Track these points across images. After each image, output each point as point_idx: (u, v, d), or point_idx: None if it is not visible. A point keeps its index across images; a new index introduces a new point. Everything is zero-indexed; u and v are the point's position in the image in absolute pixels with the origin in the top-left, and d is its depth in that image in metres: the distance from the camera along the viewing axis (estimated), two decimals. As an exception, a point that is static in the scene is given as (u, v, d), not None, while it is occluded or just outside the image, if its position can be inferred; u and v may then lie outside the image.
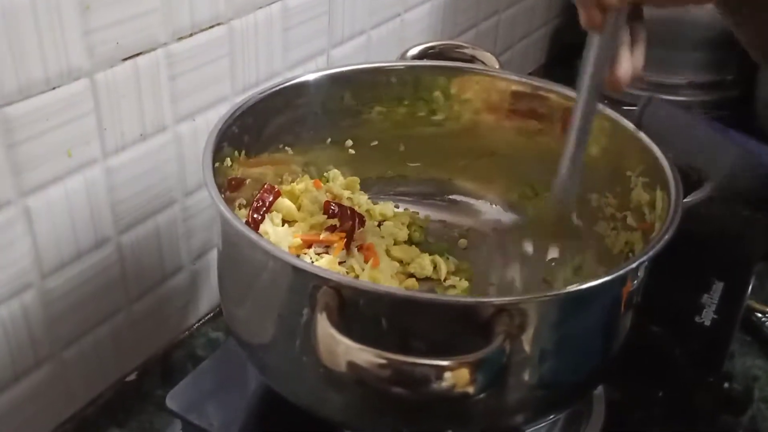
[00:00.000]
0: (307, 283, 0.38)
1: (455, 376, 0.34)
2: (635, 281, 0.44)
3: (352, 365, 0.35)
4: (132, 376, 0.64)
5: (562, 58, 1.21)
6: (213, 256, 0.68)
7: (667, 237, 0.42)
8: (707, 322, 0.65)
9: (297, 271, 0.39)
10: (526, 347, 0.39)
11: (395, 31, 0.82)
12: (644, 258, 0.41)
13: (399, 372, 0.34)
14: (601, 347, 0.45)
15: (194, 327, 0.69)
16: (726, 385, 0.62)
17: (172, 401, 0.53)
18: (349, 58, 0.76)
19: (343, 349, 0.34)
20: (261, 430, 0.52)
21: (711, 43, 1.04)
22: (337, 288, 0.38)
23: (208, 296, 0.70)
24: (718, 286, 0.69)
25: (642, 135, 0.52)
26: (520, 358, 0.40)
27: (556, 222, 0.53)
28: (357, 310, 0.38)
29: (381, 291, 0.39)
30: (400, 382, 0.34)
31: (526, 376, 0.41)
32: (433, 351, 0.39)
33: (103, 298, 0.59)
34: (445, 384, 0.34)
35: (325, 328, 0.35)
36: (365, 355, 0.34)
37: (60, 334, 0.56)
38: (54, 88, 0.50)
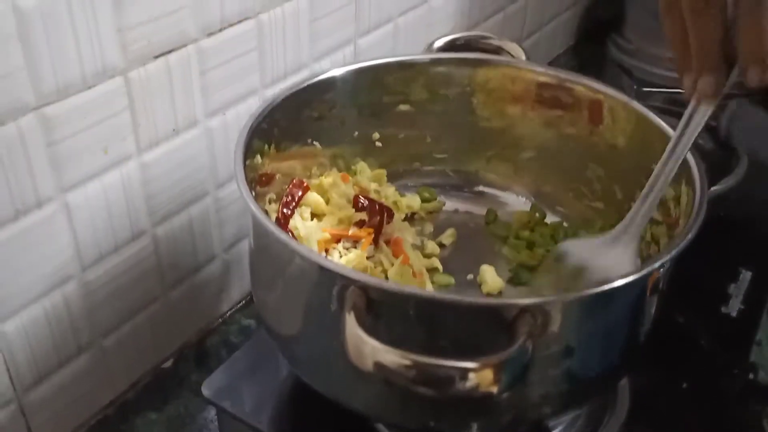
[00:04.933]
0: (335, 282, 0.40)
1: (479, 376, 0.35)
2: (658, 279, 0.44)
3: (378, 365, 0.36)
4: (168, 363, 0.66)
5: (591, 37, 1.20)
6: (245, 245, 0.70)
7: (690, 236, 0.42)
8: (733, 313, 0.65)
9: (325, 271, 0.40)
10: (550, 345, 0.40)
11: (422, 18, 0.82)
12: (666, 258, 0.41)
13: (424, 373, 0.35)
14: (626, 343, 0.46)
15: (227, 314, 0.71)
16: (751, 375, 0.62)
17: (207, 389, 0.54)
18: (376, 47, 0.76)
19: (369, 350, 0.36)
20: (293, 416, 0.54)
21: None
22: (365, 288, 0.39)
23: (240, 284, 0.71)
24: (746, 276, 0.69)
25: (667, 128, 0.52)
26: (544, 356, 0.41)
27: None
28: (384, 310, 0.39)
29: (407, 292, 0.40)
30: (425, 382, 0.35)
31: (550, 373, 0.42)
32: (458, 349, 0.40)
33: (139, 288, 0.61)
34: (469, 384, 0.35)
35: (352, 328, 0.37)
36: (391, 356, 0.35)
37: (100, 323, 0.59)
38: (90, 87, 0.51)
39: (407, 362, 0.35)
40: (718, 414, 0.58)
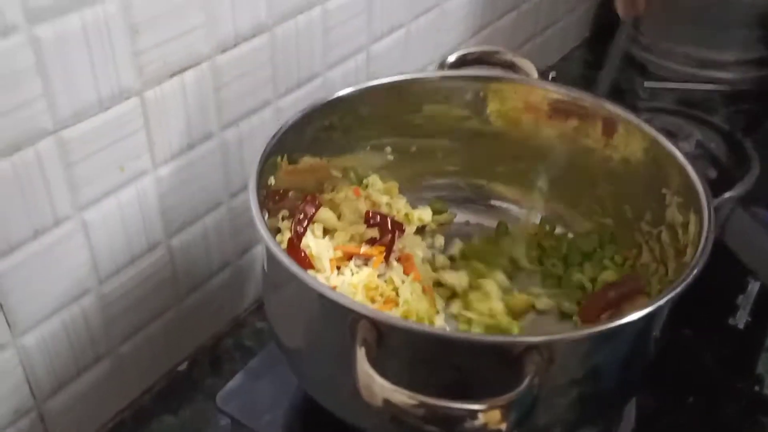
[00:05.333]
0: (346, 316, 0.40)
1: (488, 416, 0.36)
2: (664, 313, 0.45)
3: (387, 402, 0.37)
4: (183, 366, 0.68)
5: (607, 29, 1.18)
6: (258, 250, 0.71)
7: (696, 272, 0.43)
8: (740, 325, 0.66)
9: (337, 305, 0.41)
10: (558, 379, 0.41)
11: (435, 22, 0.82)
12: (672, 294, 0.42)
13: (433, 413, 0.36)
14: (634, 370, 0.47)
15: (241, 318, 0.72)
16: (757, 388, 0.63)
17: (221, 400, 0.56)
18: (388, 53, 0.76)
19: (379, 389, 0.37)
20: (306, 429, 0.55)
21: (760, 19, 1.02)
22: (375, 323, 0.40)
23: (254, 288, 0.73)
24: (754, 287, 0.69)
25: (678, 154, 0.52)
26: (552, 387, 0.42)
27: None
28: (393, 343, 0.40)
29: (416, 329, 0.41)
30: (434, 422, 0.36)
31: (557, 402, 0.43)
32: (467, 382, 0.41)
33: (155, 297, 0.62)
34: (478, 424, 0.36)
35: (363, 365, 0.38)
36: (400, 396, 0.36)
37: (116, 332, 0.60)
38: (106, 109, 0.52)
39: (416, 402, 0.36)
40: (724, 428, 0.59)
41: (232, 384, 0.57)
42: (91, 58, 0.49)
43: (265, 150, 0.51)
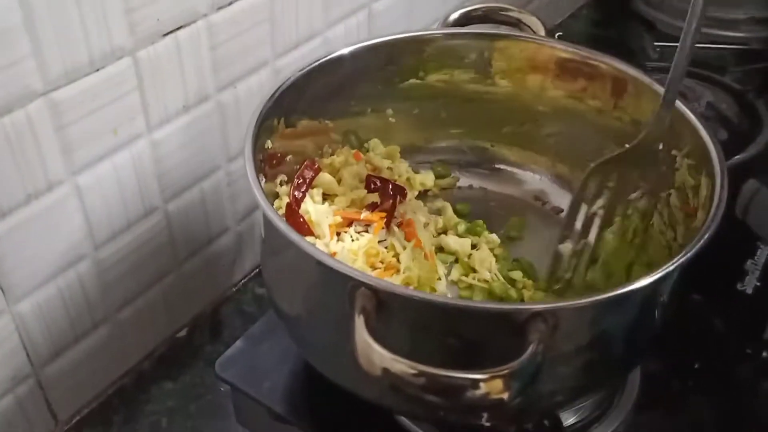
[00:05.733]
0: (345, 284, 0.39)
1: (489, 386, 0.35)
2: (672, 279, 0.44)
3: (387, 372, 0.36)
4: (183, 332, 0.67)
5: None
6: (257, 215, 0.70)
7: (706, 238, 0.41)
8: (749, 290, 0.65)
9: (336, 273, 0.40)
10: (562, 347, 0.40)
11: (439, -22, 0.79)
12: (681, 260, 0.40)
13: (433, 383, 0.35)
14: (639, 337, 0.46)
15: (241, 283, 0.71)
16: (765, 354, 0.62)
17: (221, 368, 0.55)
18: (391, 10, 0.74)
19: (378, 358, 0.36)
20: (308, 395, 0.55)
21: (774, -25, 0.99)
22: (374, 290, 0.39)
23: (253, 254, 0.72)
24: (764, 252, 0.68)
25: (691, 115, 0.50)
26: (556, 356, 0.41)
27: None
28: (393, 311, 0.39)
29: (417, 297, 0.40)
30: (434, 392, 0.35)
31: (561, 370, 0.42)
32: (469, 350, 0.40)
33: (153, 263, 0.61)
34: (479, 393, 0.35)
35: (361, 334, 0.37)
36: (399, 366, 0.35)
37: (114, 298, 0.59)
38: (98, 70, 0.50)
39: (416, 372, 0.35)
40: (730, 394, 0.58)
41: (231, 351, 0.56)
42: (81, 17, 0.47)
43: (261, 111, 0.49)
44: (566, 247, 0.55)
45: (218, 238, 0.67)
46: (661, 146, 0.52)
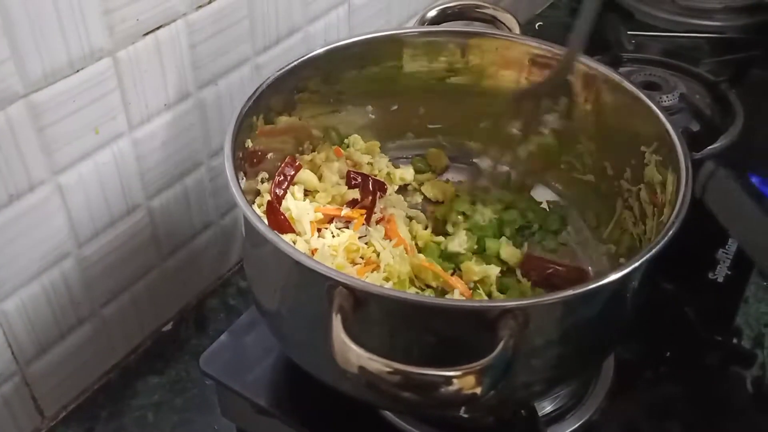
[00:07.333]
0: (323, 282, 0.40)
1: (462, 382, 0.36)
2: (640, 273, 0.45)
3: (363, 370, 0.37)
4: (168, 326, 0.68)
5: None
6: (240, 211, 0.70)
7: (670, 234, 0.43)
8: (720, 279, 0.66)
9: (313, 273, 0.41)
10: (534, 341, 0.42)
11: (418, -29, 0.80)
12: (646, 257, 0.42)
13: (408, 380, 0.36)
14: (610, 329, 0.47)
15: (225, 277, 0.72)
16: (735, 340, 0.63)
17: (205, 363, 0.56)
18: (370, 6, 0.75)
19: (354, 356, 0.37)
20: (292, 389, 0.55)
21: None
22: (351, 289, 0.40)
23: (238, 247, 0.72)
24: (734, 241, 0.70)
25: (658, 111, 0.52)
26: (528, 350, 0.42)
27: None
28: (371, 310, 0.40)
29: (391, 296, 0.41)
30: (409, 389, 0.37)
31: (534, 363, 0.44)
32: (444, 347, 0.41)
33: (137, 259, 0.62)
34: (453, 389, 0.36)
35: (338, 333, 0.38)
36: (375, 364, 0.37)
37: (99, 294, 0.60)
38: (78, 71, 0.51)
39: (391, 370, 0.36)
40: (701, 380, 0.60)
41: (215, 345, 0.57)
42: (59, 19, 0.48)
43: (240, 112, 0.50)
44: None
45: (202, 232, 0.68)
46: (568, 77, 0.56)
